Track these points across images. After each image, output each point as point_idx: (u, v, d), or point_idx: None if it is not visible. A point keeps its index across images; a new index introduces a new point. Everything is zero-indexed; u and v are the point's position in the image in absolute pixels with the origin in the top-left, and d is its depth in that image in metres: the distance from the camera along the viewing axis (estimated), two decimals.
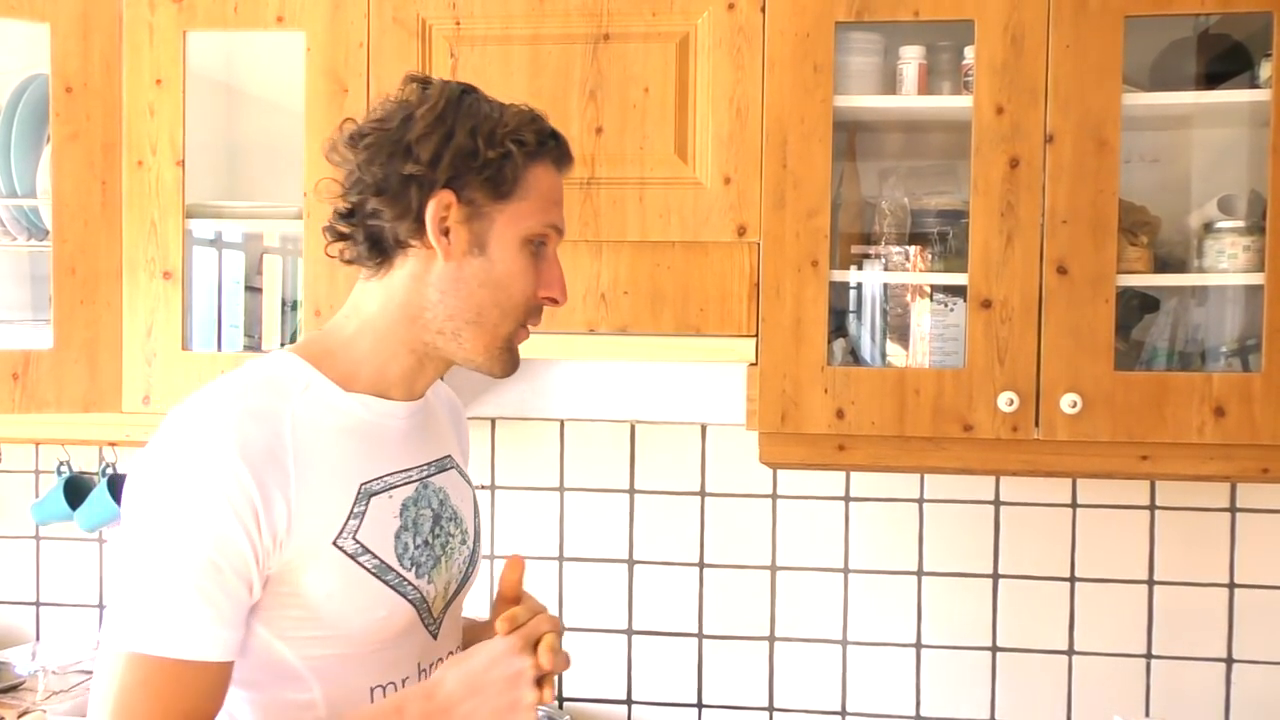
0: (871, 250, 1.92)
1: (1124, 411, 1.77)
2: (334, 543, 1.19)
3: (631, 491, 2.24)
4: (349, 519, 1.20)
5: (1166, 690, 2.12)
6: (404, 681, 1.27)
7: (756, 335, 1.84)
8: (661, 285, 1.86)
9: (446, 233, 1.23)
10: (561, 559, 2.26)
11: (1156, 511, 2.12)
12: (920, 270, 1.89)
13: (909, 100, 1.88)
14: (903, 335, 1.92)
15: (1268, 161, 1.74)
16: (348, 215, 1.26)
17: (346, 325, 1.29)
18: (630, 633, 2.25)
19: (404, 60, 1.89)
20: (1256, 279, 1.77)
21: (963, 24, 1.80)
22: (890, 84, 1.90)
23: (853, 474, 2.18)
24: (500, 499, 2.27)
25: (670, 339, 1.86)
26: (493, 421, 2.27)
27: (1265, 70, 1.77)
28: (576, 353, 2.00)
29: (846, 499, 2.19)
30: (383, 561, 1.23)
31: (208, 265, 2.09)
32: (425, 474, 1.32)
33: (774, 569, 2.21)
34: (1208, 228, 1.85)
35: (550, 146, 1.28)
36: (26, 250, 2.11)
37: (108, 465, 2.26)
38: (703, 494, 2.22)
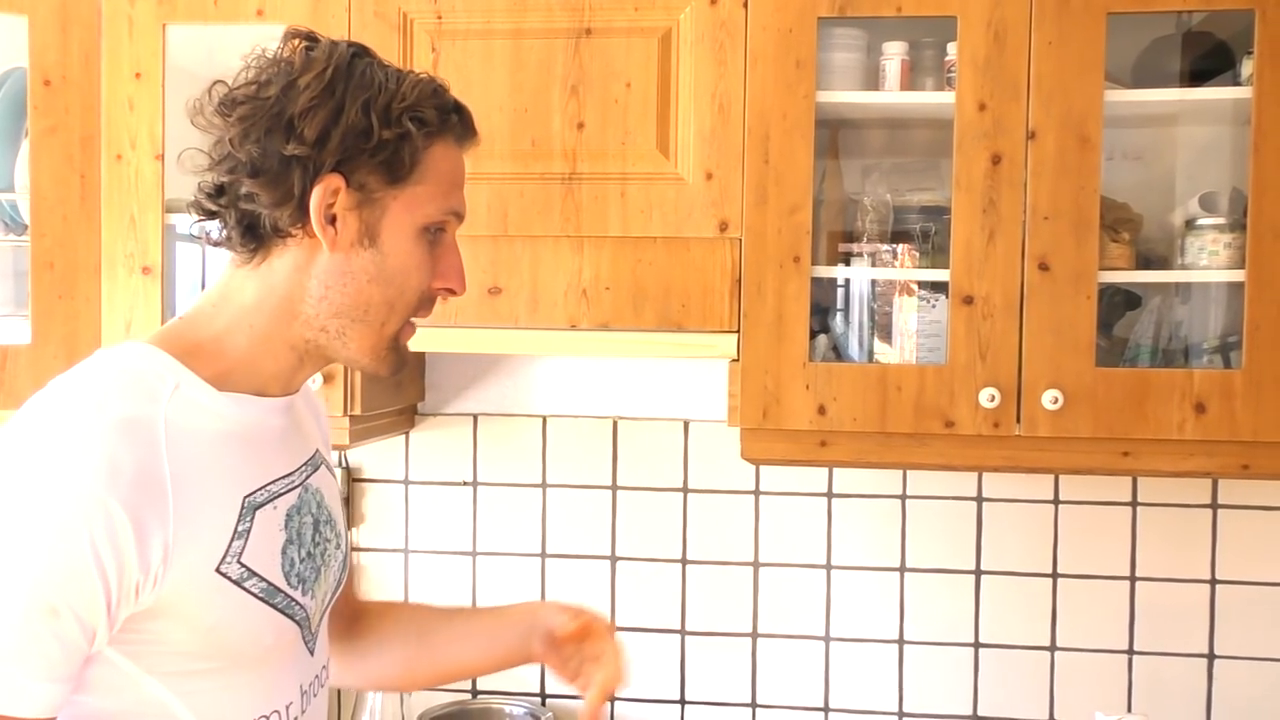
0: (855, 247, 1.92)
1: (1105, 408, 1.77)
2: (217, 569, 1.04)
3: (614, 488, 2.24)
4: (233, 539, 1.06)
5: (1148, 686, 2.12)
6: (288, 708, 1.15)
7: (738, 331, 1.84)
8: (643, 281, 1.86)
9: (333, 221, 1.09)
10: (544, 555, 2.25)
11: (1138, 508, 2.12)
12: (903, 267, 1.89)
13: (892, 96, 1.88)
14: (886, 331, 1.92)
15: (1249, 159, 1.74)
16: (216, 194, 1.11)
17: (216, 317, 1.13)
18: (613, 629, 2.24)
19: (385, 54, 1.86)
20: (1237, 276, 1.77)
21: (945, 20, 1.80)
22: (873, 80, 1.90)
23: (835, 470, 2.18)
24: (482, 496, 2.27)
25: (652, 335, 1.86)
26: (475, 418, 2.27)
27: (1247, 68, 1.77)
28: (558, 349, 1.99)
29: (829, 495, 2.19)
30: (270, 584, 1.10)
31: (190, 261, 2.08)
32: (304, 475, 1.19)
33: (756, 565, 2.21)
34: (1189, 225, 1.85)
35: (453, 122, 1.14)
36: (5, 245, 2.10)
37: None
38: (685, 490, 2.22)
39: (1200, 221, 1.83)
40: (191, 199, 1.14)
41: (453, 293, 1.19)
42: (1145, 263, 1.92)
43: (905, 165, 2.02)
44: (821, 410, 1.82)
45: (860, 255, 1.91)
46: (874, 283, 1.92)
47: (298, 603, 1.14)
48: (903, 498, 2.17)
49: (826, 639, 2.20)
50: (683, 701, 2.23)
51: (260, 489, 1.11)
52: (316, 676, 1.22)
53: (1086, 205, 1.76)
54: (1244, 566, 2.09)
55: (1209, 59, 1.88)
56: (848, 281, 1.95)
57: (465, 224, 1.88)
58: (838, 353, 1.93)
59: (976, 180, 1.78)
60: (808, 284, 1.82)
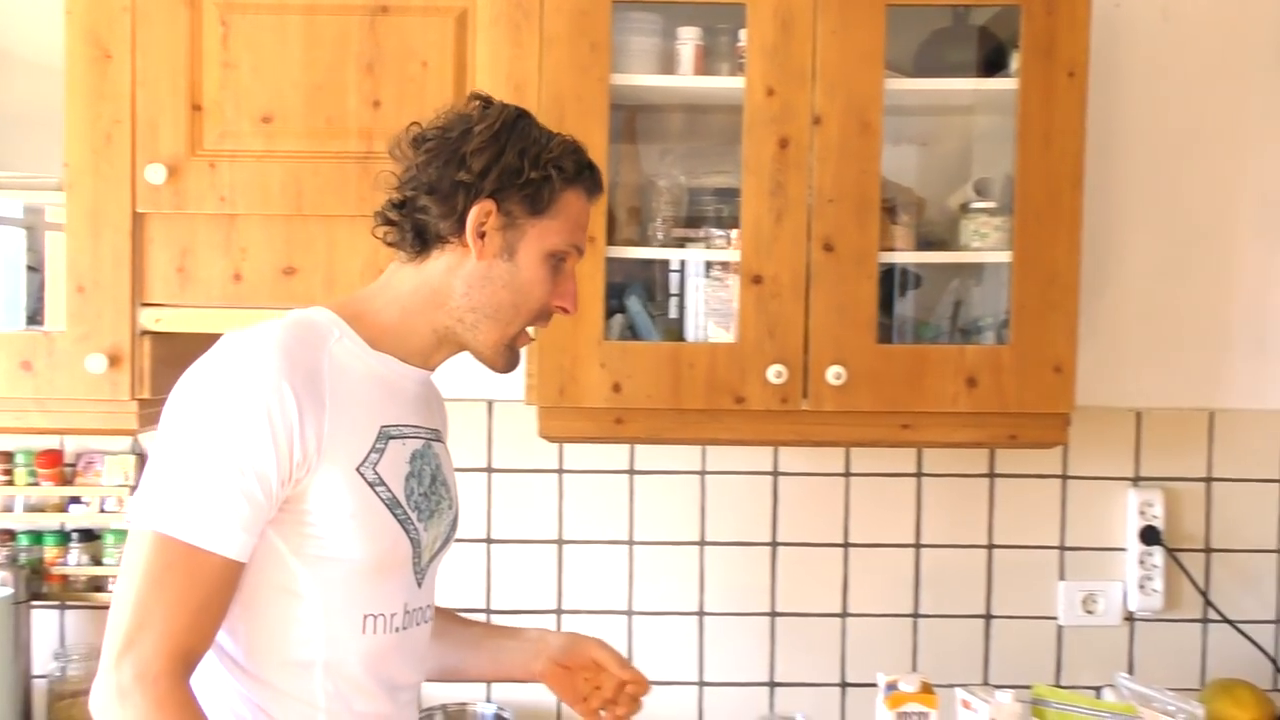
0: (650, 228, 1.96)
1: (886, 383, 1.86)
2: (357, 469, 1.33)
3: None
4: (370, 452, 1.35)
5: (932, 647, 2.24)
6: (392, 617, 1.39)
7: None
8: None
9: (483, 236, 1.39)
10: None
11: (923, 479, 2.23)
12: (697, 247, 1.94)
13: (685, 80, 1.92)
14: (679, 310, 1.96)
15: (1015, 147, 1.84)
16: (399, 206, 1.41)
17: (377, 298, 1.43)
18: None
19: (172, 27, 1.83)
20: (1005, 257, 1.88)
21: (738, 6, 1.85)
22: (669, 64, 1.94)
23: (637, 448, 2.22)
24: None
25: None
26: None
27: (1016, 61, 1.87)
28: None
29: (631, 472, 2.23)
30: (395, 496, 1.37)
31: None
32: (429, 436, 1.47)
33: (560, 543, 2.24)
34: (964, 209, 1.95)
35: (586, 176, 1.45)
36: None
37: None
38: (489, 470, 2.23)
39: (974, 205, 1.94)
40: (377, 210, 1.44)
41: (566, 311, 1.48)
42: (928, 244, 2.01)
43: (701, 149, 2.07)
44: (617, 388, 1.86)
45: (655, 236, 1.95)
46: (668, 262, 1.97)
47: (414, 524, 1.40)
48: (702, 473, 2.23)
49: (630, 613, 2.24)
50: (488, 681, 2.24)
51: (394, 425, 1.40)
52: (420, 608, 1.46)
53: (868, 188, 1.84)
54: (1016, 532, 2.23)
55: (985, 51, 1.98)
56: (646, 261, 1.99)
57: (259, 204, 1.87)
58: (633, 332, 1.97)
59: (765, 163, 1.84)
60: (603, 264, 1.85)
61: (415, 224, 1.40)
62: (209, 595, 1.26)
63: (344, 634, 1.36)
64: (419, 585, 1.44)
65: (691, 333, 1.93)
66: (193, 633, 1.25)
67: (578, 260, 1.48)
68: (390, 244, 1.44)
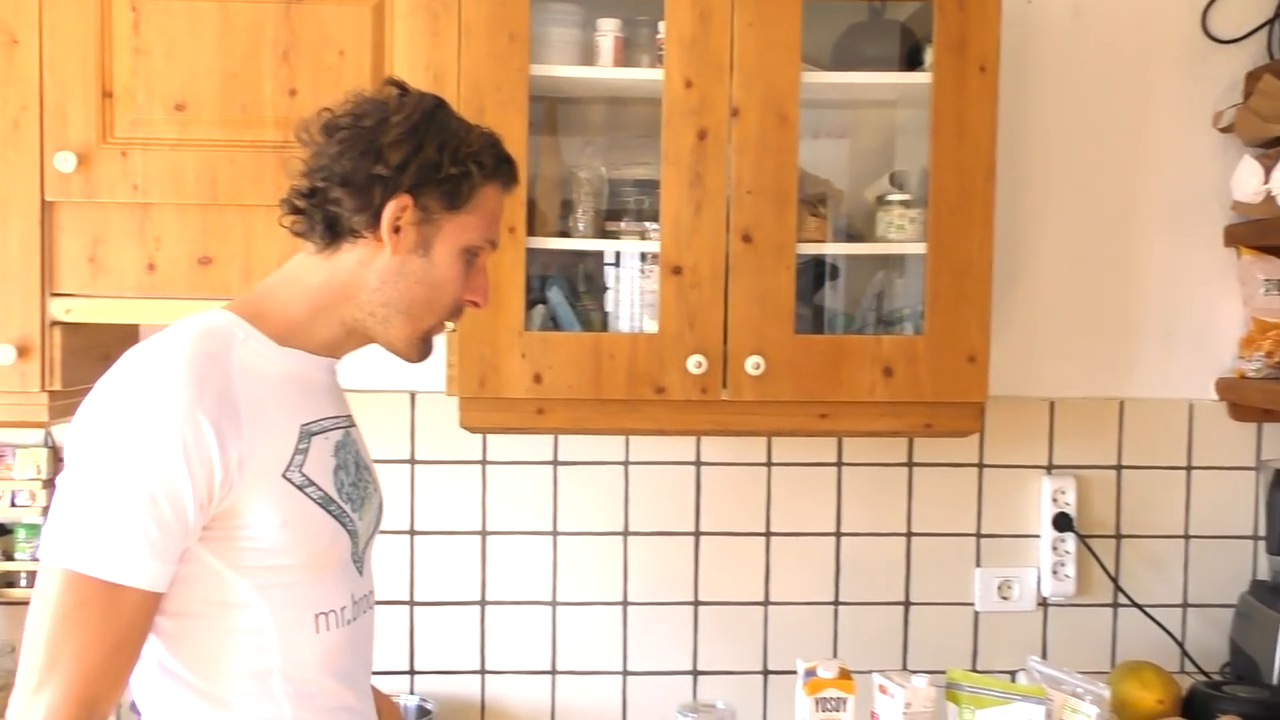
0: (570, 220, 1.96)
1: (804, 373, 1.88)
2: (283, 475, 1.31)
3: None
4: (295, 455, 1.33)
5: (852, 634, 2.27)
6: (342, 610, 1.39)
7: None
8: None
9: (398, 230, 1.36)
10: None
11: (843, 468, 2.26)
12: (620, 239, 1.95)
13: (605, 72, 1.93)
14: (603, 301, 1.97)
15: (929, 140, 1.88)
16: (309, 195, 1.37)
17: (282, 292, 1.40)
18: None
19: (80, 12, 1.80)
20: (920, 249, 1.91)
21: None
22: (589, 56, 1.94)
23: (560, 439, 2.23)
24: None
25: None
26: None
27: (930, 57, 1.90)
28: None
29: (555, 463, 2.24)
30: (326, 493, 1.36)
31: None
32: (346, 424, 1.47)
33: (484, 534, 2.24)
34: (880, 201, 1.98)
35: (504, 170, 1.43)
36: None
37: None
38: (413, 461, 2.23)
39: (890, 197, 1.96)
40: (283, 197, 1.40)
41: (477, 305, 1.46)
42: (847, 236, 2.04)
43: (622, 141, 2.08)
44: (538, 378, 1.86)
45: (576, 227, 1.95)
46: (590, 254, 1.97)
47: (349, 516, 1.40)
48: (625, 464, 2.24)
49: (554, 603, 2.25)
50: (412, 672, 2.24)
51: (314, 421, 1.38)
52: (365, 595, 1.46)
53: (786, 180, 1.86)
54: (933, 519, 2.27)
55: (902, 45, 2.01)
56: (568, 253, 1.99)
57: (173, 192, 1.85)
58: (555, 323, 1.97)
59: (684, 155, 1.85)
60: (523, 254, 1.85)
61: (326, 215, 1.37)
62: (124, 630, 1.23)
63: (299, 639, 1.35)
64: (360, 574, 1.44)
65: (626, 324, 1.94)
66: (105, 676, 1.22)
67: (491, 254, 1.47)
68: (298, 234, 1.40)
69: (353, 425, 1.50)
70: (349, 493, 1.40)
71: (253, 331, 1.35)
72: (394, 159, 1.34)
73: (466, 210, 1.39)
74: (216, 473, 1.24)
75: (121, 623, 1.22)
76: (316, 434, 1.38)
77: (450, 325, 1.48)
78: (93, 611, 1.21)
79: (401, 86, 1.41)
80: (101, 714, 1.22)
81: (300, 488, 1.33)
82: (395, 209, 1.35)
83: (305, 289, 1.39)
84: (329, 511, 1.36)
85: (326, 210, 1.36)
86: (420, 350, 1.45)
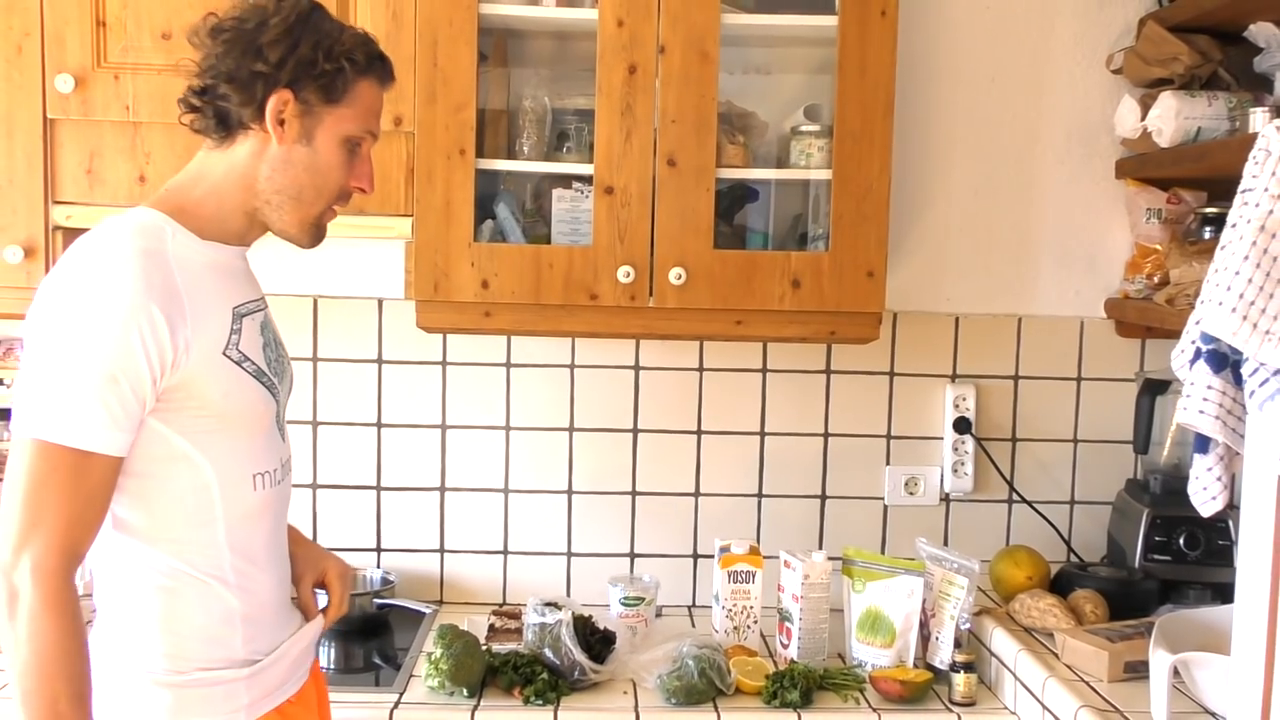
0: (517, 142, 2.19)
1: (721, 283, 2.12)
2: (223, 353, 1.48)
3: (314, 360, 2.46)
4: (230, 334, 1.49)
5: (773, 523, 2.52)
6: (273, 471, 1.58)
7: (412, 215, 2.09)
8: None
9: (282, 123, 1.49)
10: None
11: (768, 374, 2.50)
12: (558, 161, 2.17)
13: (548, 11, 2.14)
14: (544, 217, 2.20)
15: (835, 76, 2.09)
16: (200, 93, 1.50)
17: (194, 189, 1.53)
18: (315, 487, 2.48)
19: None
20: (827, 175, 2.13)
21: None
22: None
23: (513, 342, 2.46)
24: None
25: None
26: None
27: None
28: None
29: (508, 365, 2.48)
30: (259, 366, 1.53)
31: None
32: (264, 306, 1.63)
33: (444, 428, 2.48)
34: (794, 131, 2.20)
35: (377, 66, 1.56)
36: None
37: None
38: (380, 361, 2.46)
39: (803, 128, 2.18)
40: (180, 97, 1.52)
41: (364, 190, 1.60)
42: (765, 162, 2.26)
43: (565, 73, 2.29)
44: (485, 285, 2.10)
45: (521, 151, 2.18)
46: (532, 174, 2.20)
47: (275, 386, 1.57)
48: (571, 367, 2.48)
49: (505, 490, 2.50)
50: (379, 550, 2.49)
51: (241, 304, 1.54)
52: (287, 460, 1.64)
53: (706, 111, 2.08)
54: (847, 421, 2.51)
55: None
56: (515, 174, 2.22)
57: (160, 113, 2.05)
58: (502, 235, 2.20)
59: (616, 87, 2.07)
60: (472, 174, 2.08)
61: (217, 110, 1.50)
62: (93, 491, 1.39)
63: (239, 494, 1.51)
64: (282, 439, 1.63)
65: (565, 240, 2.16)
66: (80, 527, 1.38)
67: (372, 144, 1.60)
68: (197, 130, 1.53)
69: (267, 306, 1.66)
70: (274, 365, 1.58)
71: (178, 227, 1.49)
72: (273, 56, 1.47)
73: (345, 104, 1.52)
74: (168, 355, 1.40)
75: (91, 483, 1.39)
76: (245, 315, 1.54)
77: (337, 210, 1.61)
78: (66, 475, 1.37)
79: None
80: (79, 558, 1.41)
81: (238, 363, 1.50)
82: (277, 102, 1.48)
83: (213, 185, 1.53)
84: (261, 382, 1.53)
85: (217, 106, 1.49)
86: (313, 235, 1.59)
